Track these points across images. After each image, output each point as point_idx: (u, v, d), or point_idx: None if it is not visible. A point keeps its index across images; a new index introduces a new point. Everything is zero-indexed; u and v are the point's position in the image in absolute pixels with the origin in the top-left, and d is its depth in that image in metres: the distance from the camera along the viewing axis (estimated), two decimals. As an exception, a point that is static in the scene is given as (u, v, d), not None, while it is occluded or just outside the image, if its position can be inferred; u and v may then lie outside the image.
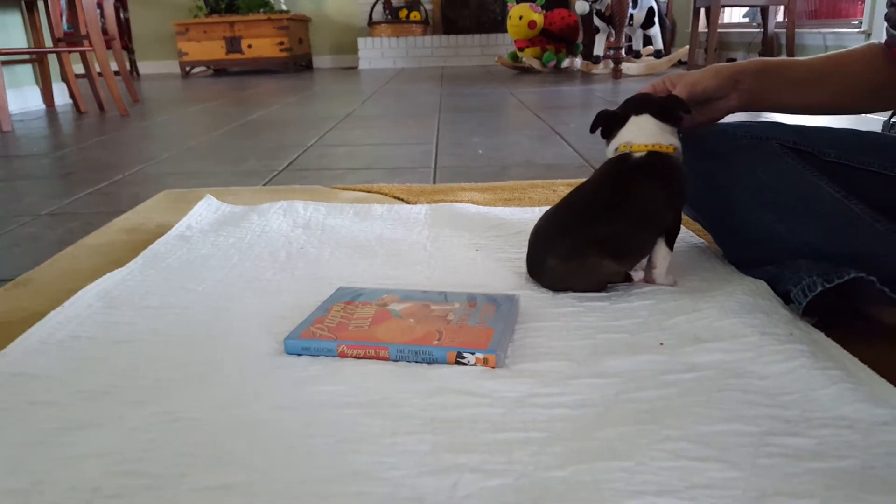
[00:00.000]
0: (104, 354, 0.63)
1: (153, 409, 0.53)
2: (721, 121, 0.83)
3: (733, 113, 0.80)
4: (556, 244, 0.73)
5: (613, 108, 0.79)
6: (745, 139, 0.79)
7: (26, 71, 3.08)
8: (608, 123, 0.78)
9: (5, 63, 2.78)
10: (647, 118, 0.75)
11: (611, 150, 0.77)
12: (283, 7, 5.59)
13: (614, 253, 0.71)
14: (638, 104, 0.76)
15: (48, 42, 3.08)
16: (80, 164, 1.73)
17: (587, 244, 0.71)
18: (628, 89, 2.84)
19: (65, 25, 3.42)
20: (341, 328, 0.63)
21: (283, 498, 0.43)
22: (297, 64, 5.55)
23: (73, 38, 3.16)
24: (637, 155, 0.74)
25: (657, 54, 4.13)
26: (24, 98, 3.03)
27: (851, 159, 0.79)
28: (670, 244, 0.74)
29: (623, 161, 0.74)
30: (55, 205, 1.30)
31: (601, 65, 3.99)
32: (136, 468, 0.46)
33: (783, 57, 0.85)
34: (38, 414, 0.53)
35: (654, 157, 0.73)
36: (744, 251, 0.79)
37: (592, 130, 0.78)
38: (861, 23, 3.12)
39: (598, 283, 0.72)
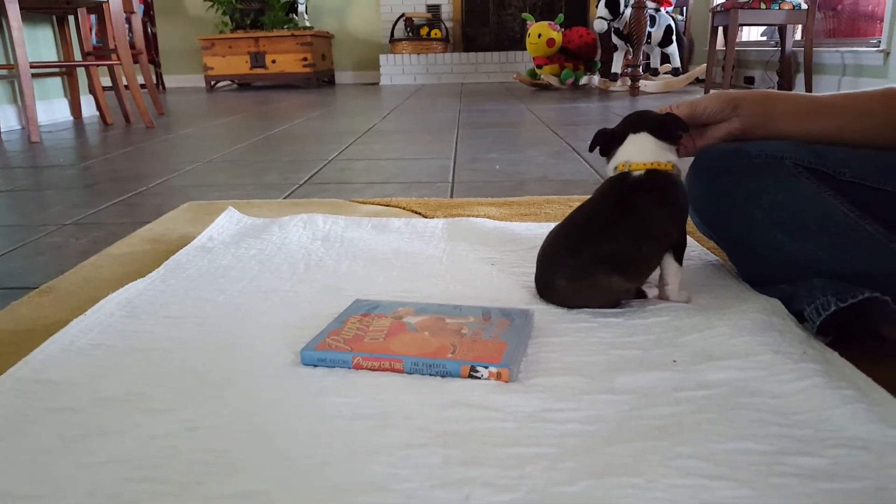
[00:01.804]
0: (124, 362, 0.65)
1: (171, 417, 0.54)
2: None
3: (734, 139, 0.79)
4: (564, 264, 0.74)
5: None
6: (760, 158, 0.79)
7: (56, 83, 3.17)
8: (607, 142, 0.79)
9: (36, 76, 2.86)
10: (645, 136, 0.75)
11: (610, 169, 0.78)
12: (307, 23, 5.69)
13: (622, 269, 0.71)
14: (636, 122, 0.77)
15: (77, 56, 3.17)
16: (104, 175, 1.77)
17: (594, 262, 0.72)
18: (646, 106, 2.84)
19: (94, 40, 3.52)
20: (357, 340, 0.64)
21: (297, 506, 0.44)
22: (320, 79, 5.64)
23: (101, 51, 3.24)
24: (636, 173, 0.75)
25: (675, 72, 4.13)
26: (53, 110, 3.12)
27: (867, 179, 0.79)
28: (679, 260, 0.75)
29: (622, 180, 0.75)
30: (80, 214, 1.33)
31: (619, 82, 4.00)
32: (154, 475, 0.47)
33: (795, 92, 0.84)
34: (59, 420, 0.55)
35: (653, 175, 0.74)
36: (757, 269, 0.78)
37: (591, 149, 0.79)
38: (880, 42, 3.10)
39: (609, 300, 0.72)
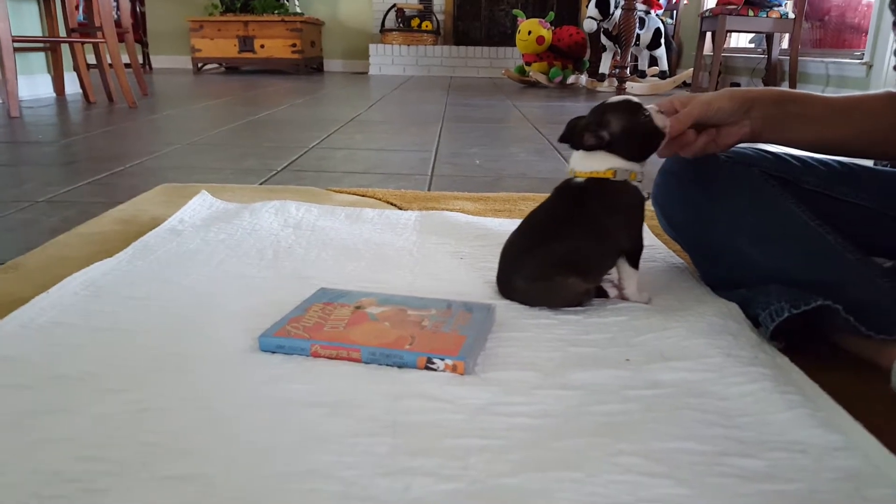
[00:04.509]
0: (83, 341, 0.64)
1: (124, 398, 0.54)
2: None
3: (745, 142, 0.76)
4: (522, 265, 0.75)
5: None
6: (728, 165, 0.80)
7: (39, 59, 3.11)
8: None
9: (19, 50, 2.81)
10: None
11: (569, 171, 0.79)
12: (298, 9, 5.64)
13: (578, 270, 0.73)
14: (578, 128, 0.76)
15: (62, 32, 3.12)
16: (83, 154, 1.75)
17: (551, 264, 0.73)
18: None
19: (80, 16, 3.46)
20: (317, 328, 0.64)
21: (239, 491, 0.44)
22: (308, 66, 5.60)
23: (87, 28, 3.19)
24: (577, 180, 0.76)
25: (662, 75, 4.15)
26: (36, 85, 3.07)
27: (831, 189, 0.81)
28: (633, 264, 0.76)
29: (568, 184, 0.78)
30: (53, 192, 1.31)
31: (606, 83, 4.02)
32: (99, 454, 0.47)
33: (805, 91, 0.79)
34: (11, 397, 0.54)
35: (594, 183, 0.75)
36: (719, 273, 0.80)
37: (561, 140, 0.80)
38: (863, 54, 3.14)
39: (568, 300, 0.73)
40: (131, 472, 0.46)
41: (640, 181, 0.77)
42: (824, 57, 3.47)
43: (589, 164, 0.76)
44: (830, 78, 3.34)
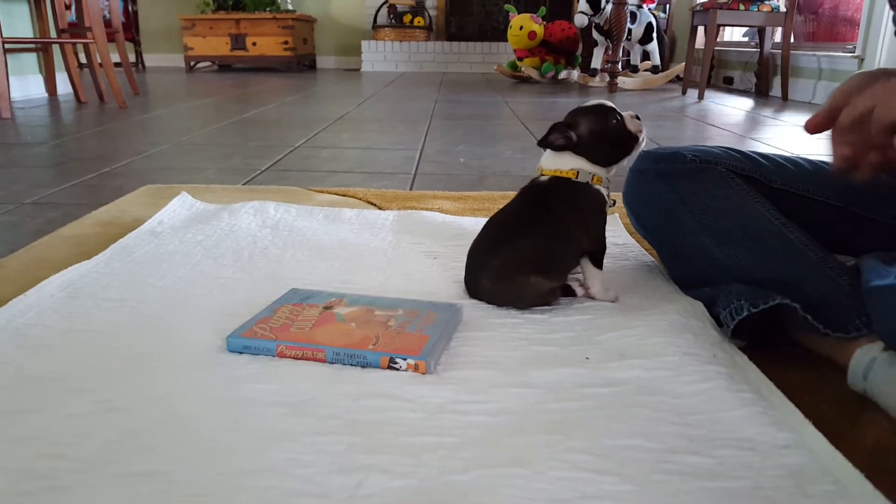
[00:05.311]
0: (56, 342, 0.66)
1: (93, 398, 0.56)
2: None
3: None
4: (486, 266, 0.76)
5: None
6: (694, 163, 0.81)
7: (31, 59, 3.12)
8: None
9: (10, 51, 2.82)
10: None
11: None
12: (290, 7, 5.63)
13: (540, 269, 0.74)
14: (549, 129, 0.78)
15: (53, 32, 3.12)
16: (71, 155, 1.76)
17: (513, 263, 0.74)
18: (622, 103, 2.87)
19: (71, 16, 3.46)
20: (283, 329, 0.66)
21: (198, 487, 0.45)
22: (301, 63, 5.59)
23: (77, 28, 3.19)
24: (542, 178, 0.79)
25: (654, 69, 4.16)
26: (28, 86, 3.07)
27: (799, 187, 0.82)
28: (596, 264, 0.77)
29: (532, 183, 0.80)
30: (40, 194, 1.32)
31: (598, 78, 4.02)
32: (67, 452, 0.49)
33: None
34: (-17, 397, 0.56)
35: (555, 182, 0.77)
36: (685, 272, 0.81)
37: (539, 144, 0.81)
38: (855, 47, 3.15)
39: (534, 300, 0.75)
40: (96, 469, 0.47)
41: (606, 186, 0.78)
42: (816, 51, 3.48)
43: (555, 163, 0.78)
44: (823, 72, 3.35)
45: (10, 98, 2.43)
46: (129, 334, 0.68)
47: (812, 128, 0.64)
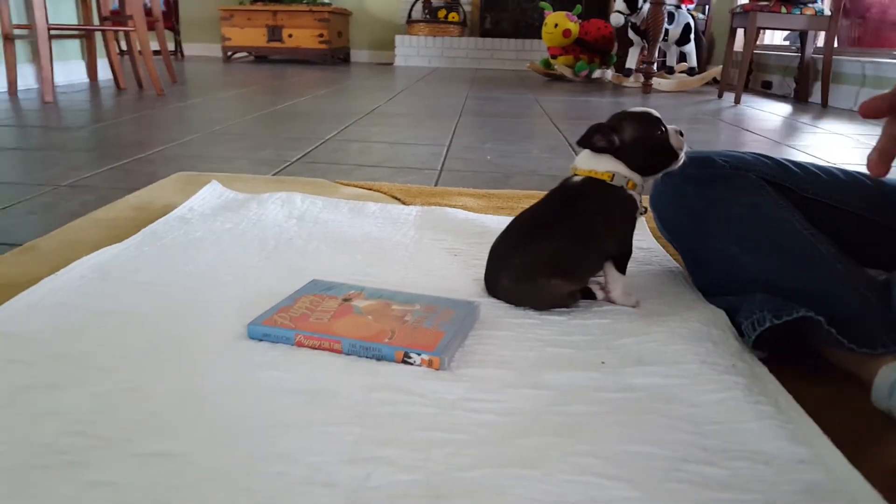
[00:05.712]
0: (85, 323, 0.68)
1: (116, 378, 0.58)
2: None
3: None
4: (507, 265, 0.76)
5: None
6: (725, 169, 0.80)
7: (74, 46, 3.21)
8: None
9: (55, 37, 2.90)
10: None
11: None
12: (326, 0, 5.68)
13: (562, 272, 0.73)
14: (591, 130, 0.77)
15: (96, 20, 3.20)
16: (108, 140, 1.80)
17: (535, 265, 0.74)
18: (656, 104, 2.83)
19: (114, 4, 3.54)
20: (303, 319, 0.67)
21: (211, 469, 0.46)
22: (335, 56, 5.63)
23: (119, 16, 3.27)
24: (576, 179, 0.77)
25: (690, 71, 4.09)
26: (70, 71, 3.16)
27: (832, 198, 0.80)
28: (620, 269, 0.76)
29: (565, 183, 0.79)
30: (76, 177, 1.36)
31: (632, 78, 3.97)
32: (88, 430, 0.50)
33: None
34: (11, 371, 0.58)
35: (589, 182, 0.76)
36: (710, 279, 0.80)
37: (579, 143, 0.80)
38: (901, 55, 3.05)
39: (553, 301, 0.74)
40: (115, 447, 0.49)
41: (639, 192, 0.77)
42: (860, 56, 3.38)
43: (591, 163, 0.77)
44: (867, 78, 3.26)
45: (53, 83, 2.50)
46: (155, 317, 0.70)
47: (868, 111, 0.62)
